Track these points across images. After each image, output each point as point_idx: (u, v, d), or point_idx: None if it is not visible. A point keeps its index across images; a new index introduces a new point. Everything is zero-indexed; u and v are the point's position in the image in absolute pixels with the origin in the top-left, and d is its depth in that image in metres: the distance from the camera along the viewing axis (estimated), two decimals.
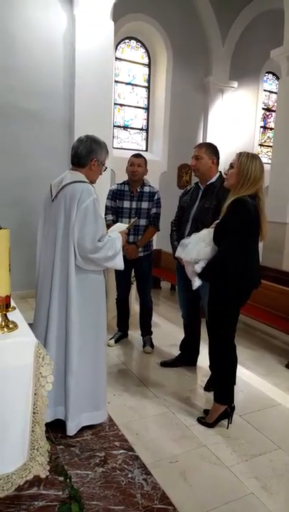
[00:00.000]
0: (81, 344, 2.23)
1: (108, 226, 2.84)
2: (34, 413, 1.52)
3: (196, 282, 2.46)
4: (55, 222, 2.22)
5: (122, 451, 2.27)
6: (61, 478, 2.01)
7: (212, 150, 2.97)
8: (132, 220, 2.93)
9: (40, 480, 1.94)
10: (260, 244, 2.86)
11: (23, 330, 1.56)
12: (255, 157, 2.34)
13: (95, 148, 2.30)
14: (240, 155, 2.36)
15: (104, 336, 2.43)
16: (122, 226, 2.64)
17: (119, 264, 2.27)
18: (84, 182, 2.23)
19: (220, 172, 3.02)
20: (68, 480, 2.00)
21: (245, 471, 2.17)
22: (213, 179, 3.00)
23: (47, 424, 2.29)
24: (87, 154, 2.28)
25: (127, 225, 2.69)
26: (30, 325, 1.84)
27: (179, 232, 3.14)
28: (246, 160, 2.32)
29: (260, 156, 8.91)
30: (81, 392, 2.28)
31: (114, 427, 2.49)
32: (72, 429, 2.31)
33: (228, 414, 2.55)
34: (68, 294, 2.19)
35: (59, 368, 2.21)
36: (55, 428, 2.37)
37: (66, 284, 2.19)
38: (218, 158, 3.01)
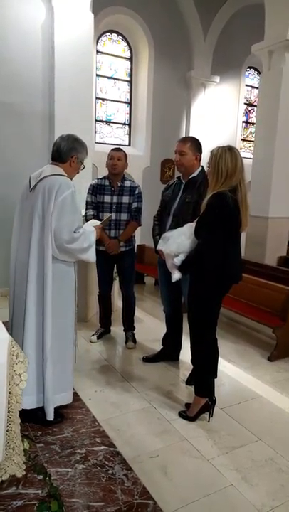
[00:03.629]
0: (54, 330, 2.29)
1: (88, 221, 2.89)
2: (9, 412, 1.49)
3: (176, 275, 2.46)
4: (32, 212, 2.27)
5: (102, 447, 2.25)
6: (40, 477, 1.98)
7: (196, 146, 2.95)
8: (107, 216, 2.92)
9: (19, 479, 1.91)
10: (242, 239, 2.88)
11: None
12: (225, 150, 2.31)
13: (77, 146, 2.42)
14: (212, 152, 2.35)
15: (73, 324, 2.49)
16: (96, 222, 2.70)
17: (92, 256, 2.38)
18: (63, 175, 2.31)
19: (202, 166, 3.01)
20: (48, 478, 1.97)
21: (226, 464, 2.19)
22: (195, 173, 2.98)
23: (27, 422, 2.30)
24: (68, 151, 2.39)
25: (102, 221, 2.75)
26: (5, 323, 1.80)
27: (161, 227, 3.13)
28: (216, 155, 2.31)
29: (242, 150, 8.96)
30: (54, 375, 2.34)
31: (96, 423, 2.48)
32: (51, 413, 2.35)
33: (209, 407, 2.56)
34: (44, 282, 2.25)
35: (39, 356, 2.30)
36: (35, 426, 2.36)
37: (42, 272, 2.25)
38: (201, 153, 3.00)
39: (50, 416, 2.36)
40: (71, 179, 2.43)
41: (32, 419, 2.36)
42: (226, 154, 2.29)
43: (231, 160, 2.28)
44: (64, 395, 2.46)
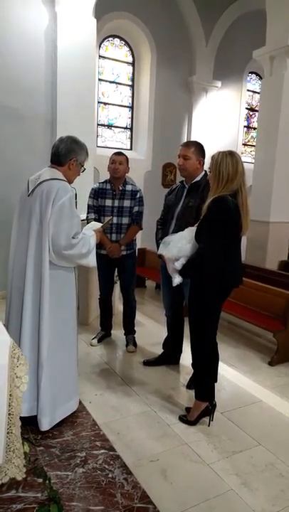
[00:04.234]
0: (51, 337, 2.25)
1: (89, 223, 2.85)
2: (9, 414, 1.49)
3: (176, 279, 2.47)
4: (30, 216, 2.23)
5: (102, 451, 2.25)
6: (40, 480, 1.98)
7: (200, 151, 2.97)
8: (107, 219, 2.92)
9: (19, 482, 1.91)
10: (243, 243, 2.89)
11: None
12: (226, 155, 2.33)
13: (75, 148, 2.35)
14: (213, 157, 2.37)
15: (74, 329, 2.45)
16: (97, 225, 2.65)
17: (92, 261, 2.32)
18: (61, 180, 2.26)
19: (205, 171, 3.03)
20: (48, 481, 1.97)
21: (226, 468, 2.18)
22: (198, 178, 3.00)
23: (26, 424, 2.29)
24: (66, 153, 2.32)
25: (102, 224, 2.70)
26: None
27: (164, 231, 3.14)
28: (217, 160, 2.33)
29: (243, 155, 8.98)
30: (53, 385, 2.30)
31: (96, 426, 2.48)
32: (45, 424, 2.30)
33: (209, 411, 2.56)
34: (41, 288, 2.21)
35: (33, 363, 2.24)
36: (35, 429, 2.34)
37: (39, 278, 2.21)
38: (204, 158, 3.01)
39: (44, 427, 2.30)
40: (71, 182, 2.39)
41: (31, 423, 2.34)
42: (227, 158, 2.31)
43: (232, 164, 2.30)
44: (68, 405, 2.42)
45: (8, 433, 1.49)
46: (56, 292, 2.25)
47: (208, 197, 2.40)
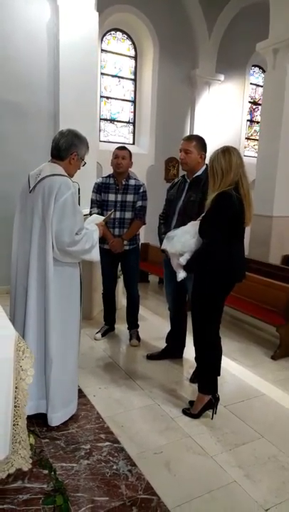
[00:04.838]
0: (58, 334, 2.25)
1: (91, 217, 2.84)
2: (15, 407, 1.51)
3: (181, 274, 2.48)
4: (32, 213, 2.21)
5: (107, 443, 2.28)
6: (46, 471, 2.01)
7: (201, 145, 2.97)
8: (109, 213, 2.91)
9: (25, 473, 1.94)
10: (246, 238, 2.90)
11: (2, 323, 1.55)
12: (219, 152, 2.37)
13: (76, 142, 2.32)
14: (210, 158, 2.42)
15: (78, 325, 2.44)
16: (99, 218, 2.64)
17: (95, 256, 2.31)
18: (62, 175, 2.23)
19: (206, 165, 3.02)
20: (53, 473, 2.00)
21: (229, 460, 2.20)
22: (200, 172, 3.00)
23: (31, 417, 2.32)
24: (67, 148, 2.29)
25: (104, 217, 2.69)
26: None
27: (166, 225, 3.14)
28: (211, 158, 2.39)
29: (246, 149, 8.90)
30: (60, 382, 2.30)
31: (100, 419, 2.50)
32: (56, 419, 2.33)
33: (212, 404, 2.58)
34: (46, 285, 2.20)
35: (40, 360, 2.24)
36: (40, 421, 2.37)
37: (44, 275, 2.20)
38: (206, 152, 3.01)
39: (54, 422, 2.32)
40: (72, 176, 2.37)
41: (36, 416, 2.36)
42: (219, 154, 2.36)
43: (224, 158, 2.34)
44: (66, 410, 2.42)
45: (14, 425, 1.52)
46: (61, 288, 2.24)
47: (208, 193, 2.41)
